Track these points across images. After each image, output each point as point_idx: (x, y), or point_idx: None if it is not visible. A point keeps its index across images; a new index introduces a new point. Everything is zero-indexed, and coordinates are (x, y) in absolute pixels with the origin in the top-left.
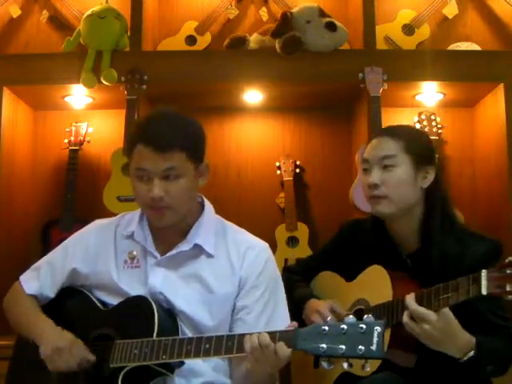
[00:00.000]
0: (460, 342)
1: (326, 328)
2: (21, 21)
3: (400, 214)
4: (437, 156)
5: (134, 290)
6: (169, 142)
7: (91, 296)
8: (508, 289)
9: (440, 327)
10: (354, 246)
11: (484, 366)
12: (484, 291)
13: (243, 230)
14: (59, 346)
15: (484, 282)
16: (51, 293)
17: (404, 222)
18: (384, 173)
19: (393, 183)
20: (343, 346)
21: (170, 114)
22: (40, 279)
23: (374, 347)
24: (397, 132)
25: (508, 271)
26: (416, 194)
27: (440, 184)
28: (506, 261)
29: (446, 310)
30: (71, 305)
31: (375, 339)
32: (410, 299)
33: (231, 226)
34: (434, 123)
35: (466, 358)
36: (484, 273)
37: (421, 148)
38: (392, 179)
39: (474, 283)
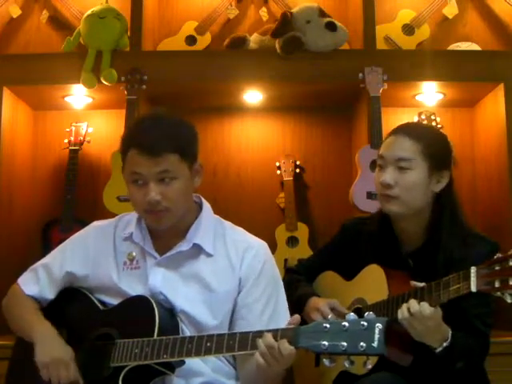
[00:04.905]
0: (440, 332)
1: (328, 325)
2: (21, 21)
3: (409, 214)
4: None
5: (135, 290)
6: (160, 146)
7: (91, 297)
8: (496, 285)
9: (431, 323)
10: (356, 244)
11: (456, 359)
12: (473, 288)
13: (242, 230)
14: (57, 357)
15: (473, 279)
16: (50, 295)
17: (412, 222)
18: (398, 174)
19: (406, 185)
20: (345, 343)
21: (161, 117)
22: (39, 282)
23: (375, 344)
24: (416, 133)
25: (497, 268)
26: (426, 198)
27: (452, 188)
28: (495, 257)
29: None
30: (72, 305)
31: (376, 336)
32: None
33: (230, 226)
34: (433, 123)
35: (441, 349)
36: (473, 270)
37: (438, 152)
38: (405, 181)
39: (464, 280)
